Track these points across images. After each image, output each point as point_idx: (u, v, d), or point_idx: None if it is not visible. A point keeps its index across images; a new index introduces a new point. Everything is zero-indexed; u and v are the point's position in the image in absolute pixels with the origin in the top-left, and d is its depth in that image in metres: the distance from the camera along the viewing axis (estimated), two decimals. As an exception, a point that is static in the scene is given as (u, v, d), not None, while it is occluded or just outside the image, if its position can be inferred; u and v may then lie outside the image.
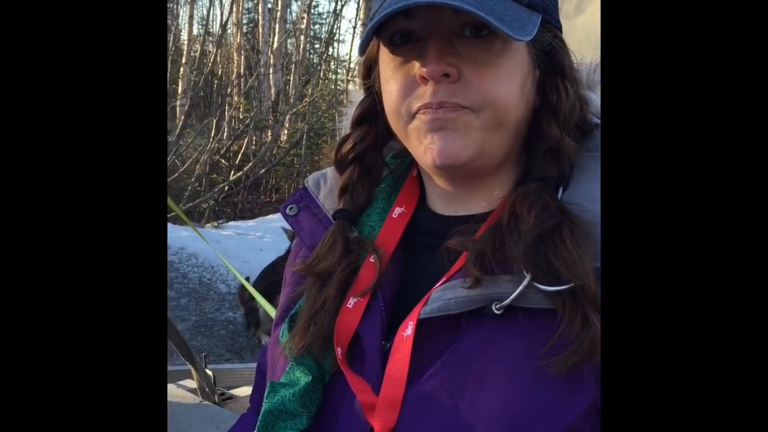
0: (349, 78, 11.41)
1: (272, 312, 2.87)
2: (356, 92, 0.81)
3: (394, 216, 0.74)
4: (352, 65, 11.44)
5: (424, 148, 0.65)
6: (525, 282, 0.60)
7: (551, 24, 0.69)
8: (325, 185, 0.79)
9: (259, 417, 0.69)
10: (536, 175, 0.66)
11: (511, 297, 0.60)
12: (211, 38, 12.21)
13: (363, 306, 0.68)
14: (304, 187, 0.81)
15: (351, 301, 0.69)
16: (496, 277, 0.61)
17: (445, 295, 0.63)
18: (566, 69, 0.69)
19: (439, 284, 0.65)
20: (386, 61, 0.68)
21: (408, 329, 0.64)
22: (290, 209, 0.79)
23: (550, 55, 0.69)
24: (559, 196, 0.64)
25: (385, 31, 0.66)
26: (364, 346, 0.67)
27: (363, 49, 0.70)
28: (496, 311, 0.61)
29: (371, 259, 0.70)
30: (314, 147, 11.01)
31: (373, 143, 0.75)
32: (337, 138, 0.81)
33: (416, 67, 0.64)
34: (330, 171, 0.81)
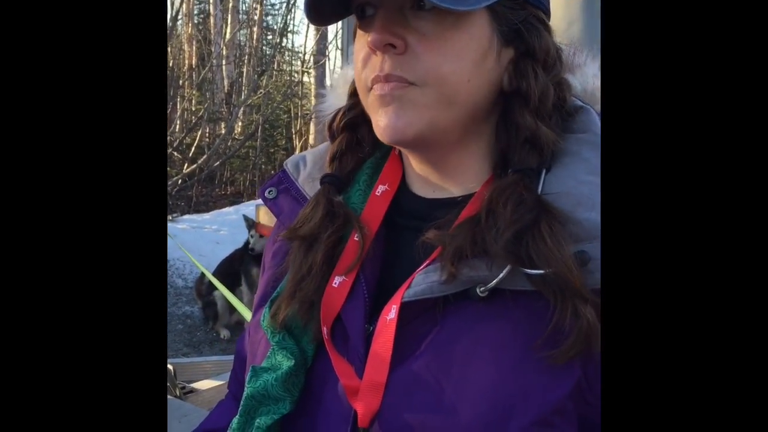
0: (304, 69, 11.33)
1: (234, 301, 2.86)
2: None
3: (377, 194, 0.74)
4: (306, 57, 11.36)
5: (376, 123, 0.66)
6: (508, 267, 0.60)
7: (529, 2, 0.67)
8: (305, 168, 0.79)
9: (242, 402, 0.68)
10: (514, 167, 0.65)
11: (496, 279, 0.60)
12: (161, 28, 11.95)
13: (347, 287, 0.68)
14: (283, 170, 0.80)
15: (336, 280, 0.69)
16: (479, 260, 0.61)
17: (428, 278, 0.63)
18: (537, 51, 0.67)
19: (422, 267, 0.65)
20: (357, 34, 0.68)
21: (391, 313, 0.64)
22: (269, 192, 0.79)
23: (521, 35, 0.67)
24: (540, 186, 0.64)
25: (353, 4, 0.67)
26: (348, 329, 0.67)
27: (312, 21, 0.69)
28: (480, 294, 0.61)
29: (355, 237, 0.70)
30: (269, 139, 10.92)
31: (362, 113, 0.74)
32: (312, 120, 0.81)
33: (367, 38, 0.64)
34: (308, 154, 0.80)
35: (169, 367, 2.54)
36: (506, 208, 0.61)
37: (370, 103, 0.67)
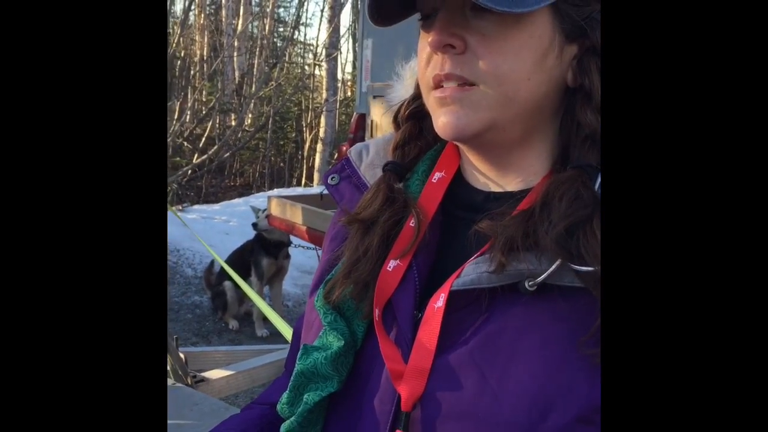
0: (315, 62, 11.32)
1: (247, 289, 2.86)
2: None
3: (433, 180, 0.75)
4: (318, 50, 11.35)
5: (435, 121, 0.68)
6: (558, 261, 0.60)
7: None
8: (367, 156, 0.80)
9: (291, 377, 0.70)
10: (574, 163, 0.65)
11: (546, 274, 0.60)
12: (173, 18, 11.96)
13: (401, 271, 0.69)
14: (346, 158, 0.82)
15: (391, 264, 0.70)
16: (529, 253, 0.61)
17: (478, 269, 0.63)
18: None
19: (474, 257, 0.65)
20: (421, 33, 0.69)
21: (440, 301, 0.65)
22: (332, 179, 0.81)
23: (584, 31, 0.66)
24: (598, 183, 0.63)
25: (418, 4, 0.68)
26: (396, 315, 0.68)
27: (372, 20, 0.70)
28: (529, 288, 0.61)
29: (411, 223, 0.71)
30: (279, 131, 10.92)
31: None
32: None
33: (428, 38, 0.66)
34: (372, 143, 0.82)
35: (181, 355, 2.55)
36: (561, 202, 0.61)
37: (431, 103, 0.68)
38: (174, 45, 10.51)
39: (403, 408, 0.64)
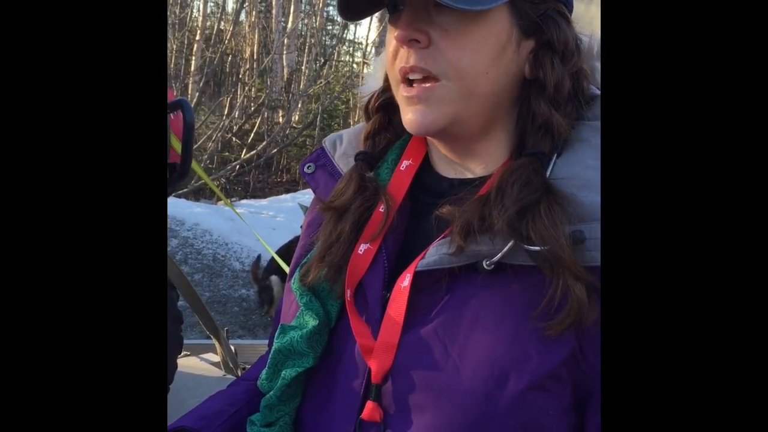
0: (364, 60, 11.36)
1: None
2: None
3: (401, 168, 0.79)
4: (367, 48, 11.38)
5: (403, 116, 0.73)
6: (511, 242, 0.65)
7: None
8: (341, 146, 0.85)
9: (270, 355, 0.75)
10: (528, 151, 0.70)
11: (500, 254, 0.65)
12: (226, 16, 12.14)
13: (371, 254, 0.74)
14: (321, 147, 0.87)
15: (362, 248, 0.75)
16: (485, 235, 0.66)
17: (440, 250, 0.68)
18: (555, 43, 0.71)
19: (437, 240, 0.70)
20: (388, 28, 0.74)
21: (405, 281, 0.70)
22: (308, 167, 0.86)
23: (540, 27, 0.71)
24: (549, 170, 0.68)
25: (385, 0, 0.72)
26: (367, 295, 0.74)
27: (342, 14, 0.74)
28: (486, 267, 0.66)
29: (380, 209, 0.76)
30: (327, 129, 10.98)
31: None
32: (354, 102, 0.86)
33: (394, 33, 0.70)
34: (345, 133, 0.87)
35: (232, 348, 2.58)
36: (513, 188, 0.67)
37: (399, 97, 0.73)
38: (226, 42, 10.68)
39: (374, 380, 0.70)
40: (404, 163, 0.79)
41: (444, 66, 0.68)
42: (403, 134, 0.81)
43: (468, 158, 0.76)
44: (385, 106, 0.82)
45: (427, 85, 0.69)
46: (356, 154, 0.81)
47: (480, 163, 0.75)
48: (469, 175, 0.76)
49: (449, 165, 0.77)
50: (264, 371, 0.76)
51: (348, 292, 0.74)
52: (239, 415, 0.80)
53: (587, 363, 0.65)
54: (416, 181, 0.79)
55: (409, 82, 0.71)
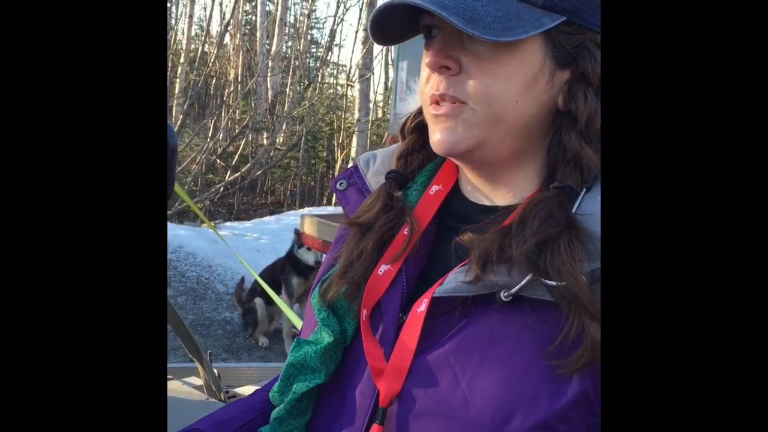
0: (348, 83, 11.42)
1: (281, 304, 2.88)
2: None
3: (430, 193, 0.79)
4: (351, 71, 11.45)
5: (431, 136, 0.72)
6: (530, 275, 0.64)
7: (585, 26, 0.69)
8: (374, 165, 0.85)
9: (283, 368, 0.75)
10: (555, 184, 0.69)
11: (519, 285, 0.64)
12: (210, 38, 12.19)
13: (391, 276, 0.74)
14: (355, 165, 0.86)
15: (382, 268, 0.75)
16: (503, 266, 0.65)
17: (458, 278, 0.67)
18: (590, 75, 0.69)
19: (456, 268, 0.69)
20: (424, 52, 0.73)
21: (422, 305, 0.69)
22: (340, 184, 0.85)
23: (576, 59, 0.70)
24: (576, 205, 0.67)
25: (421, 24, 0.72)
26: (383, 316, 0.73)
27: (374, 39, 0.75)
28: (504, 298, 0.65)
29: (405, 231, 0.75)
30: (311, 150, 11.01)
31: None
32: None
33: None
34: (379, 153, 0.87)
35: (215, 370, 2.56)
36: (534, 221, 0.66)
37: (428, 117, 0.73)
38: (210, 64, 10.71)
39: (381, 403, 0.69)
40: (434, 188, 0.79)
41: (472, 93, 0.67)
42: (435, 157, 0.81)
43: (496, 186, 0.75)
44: (420, 128, 0.81)
45: (455, 104, 0.69)
46: (387, 173, 0.81)
47: (508, 192, 0.74)
48: (497, 203, 0.75)
49: (477, 191, 0.77)
50: (276, 384, 0.77)
51: (364, 312, 0.73)
52: (253, 424, 0.80)
53: None
54: (445, 204, 0.78)
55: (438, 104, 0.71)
